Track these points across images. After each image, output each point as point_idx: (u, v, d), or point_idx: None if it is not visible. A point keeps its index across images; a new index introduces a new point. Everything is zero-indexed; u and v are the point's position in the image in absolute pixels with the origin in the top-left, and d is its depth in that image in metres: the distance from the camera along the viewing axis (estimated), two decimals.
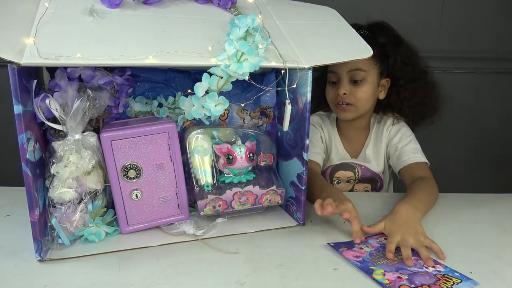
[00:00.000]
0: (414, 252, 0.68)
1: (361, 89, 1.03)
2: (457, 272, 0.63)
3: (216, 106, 0.69)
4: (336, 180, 1.11)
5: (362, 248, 0.70)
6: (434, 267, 0.64)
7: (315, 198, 0.85)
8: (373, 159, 1.11)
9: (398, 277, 0.61)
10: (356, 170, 1.11)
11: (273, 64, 0.70)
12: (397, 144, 1.06)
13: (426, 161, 1.02)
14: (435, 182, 0.94)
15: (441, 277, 0.62)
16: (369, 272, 0.63)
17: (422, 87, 1.10)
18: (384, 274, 0.62)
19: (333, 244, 0.71)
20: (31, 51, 0.58)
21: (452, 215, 0.86)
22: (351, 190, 1.12)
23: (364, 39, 0.99)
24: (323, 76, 1.10)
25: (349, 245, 0.71)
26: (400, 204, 0.78)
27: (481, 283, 0.61)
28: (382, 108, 1.12)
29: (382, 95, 1.08)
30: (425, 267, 0.64)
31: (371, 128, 1.12)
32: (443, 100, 1.13)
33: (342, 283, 0.61)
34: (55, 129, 0.69)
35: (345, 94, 1.02)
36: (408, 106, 1.09)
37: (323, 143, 1.11)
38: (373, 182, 1.12)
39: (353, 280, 0.62)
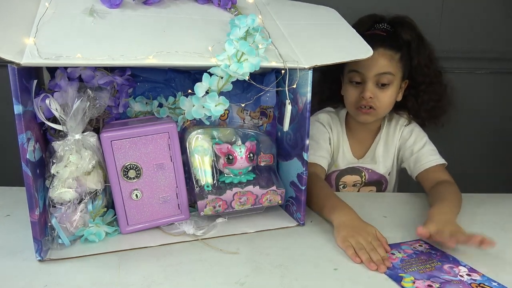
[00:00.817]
0: (452, 260, 0.67)
1: (386, 93, 0.97)
2: (495, 282, 0.60)
3: (216, 106, 0.69)
4: (342, 185, 1.08)
5: (394, 254, 0.68)
6: (469, 275, 0.62)
7: (316, 207, 0.84)
8: (381, 160, 1.07)
9: (429, 285, 0.59)
10: (363, 174, 1.07)
11: (273, 64, 0.70)
12: (412, 146, 1.03)
13: (444, 161, 0.99)
14: (457, 186, 0.92)
15: (476, 286, 0.59)
16: (398, 280, 0.61)
17: (437, 89, 1.06)
18: (414, 282, 0.60)
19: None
20: (31, 51, 0.58)
21: None
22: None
23: (384, 33, 0.97)
24: (334, 71, 1.04)
25: None
26: (436, 209, 0.78)
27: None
28: (394, 107, 1.06)
29: (399, 97, 1.03)
30: (460, 275, 0.62)
31: (381, 127, 1.08)
32: (453, 102, 1.10)
33: (342, 283, 0.61)
34: (55, 129, 0.69)
35: (371, 98, 0.96)
36: (425, 110, 1.05)
37: (331, 145, 1.06)
38: (378, 184, 1.09)
39: (353, 280, 0.62)
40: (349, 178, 1.07)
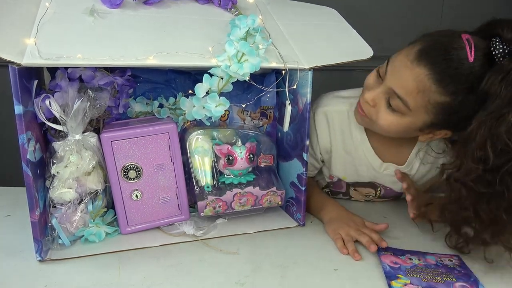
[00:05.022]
0: (472, 281, 0.62)
1: (388, 117, 0.71)
2: None
3: (216, 107, 0.69)
4: (353, 188, 0.92)
5: (411, 259, 0.67)
6: None
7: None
8: (419, 175, 0.84)
9: None
10: (379, 189, 0.89)
11: (274, 64, 0.70)
12: None
13: None
14: None
15: None
16: (391, 278, 0.61)
17: None
18: (405, 285, 0.59)
19: (386, 246, 0.70)
20: (32, 52, 0.58)
21: None
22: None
23: (472, 59, 0.62)
24: None
25: (399, 252, 0.69)
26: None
27: (482, 284, 0.61)
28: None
29: (424, 138, 0.75)
30: None
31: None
32: None
33: (342, 283, 0.61)
34: (55, 130, 0.69)
35: (367, 103, 0.73)
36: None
37: (321, 153, 0.87)
38: (395, 198, 0.93)
39: (353, 280, 0.62)
40: (361, 190, 0.91)
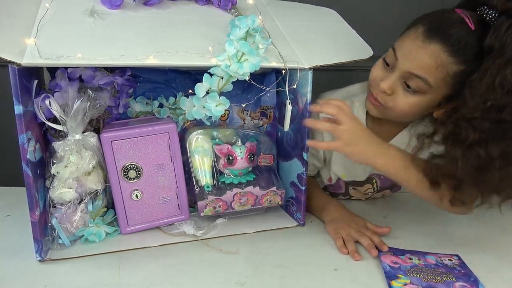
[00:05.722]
0: (472, 281, 0.62)
1: (408, 99, 0.72)
2: None
3: (216, 107, 0.69)
4: (352, 187, 0.93)
5: (411, 259, 0.67)
6: None
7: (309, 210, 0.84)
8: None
9: None
10: (374, 181, 0.91)
11: (274, 64, 0.70)
12: None
13: None
14: None
15: None
16: (391, 278, 0.61)
17: None
18: (405, 285, 0.59)
19: (389, 247, 0.70)
20: (32, 52, 0.58)
21: (451, 214, 0.86)
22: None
23: (471, 27, 0.67)
24: None
25: (399, 252, 0.69)
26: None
27: (482, 283, 0.61)
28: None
29: (437, 114, 0.74)
30: None
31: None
32: None
33: (342, 283, 0.61)
34: (55, 130, 0.69)
35: (385, 92, 0.73)
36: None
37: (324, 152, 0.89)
38: (393, 187, 0.94)
39: (353, 280, 0.62)
40: (359, 189, 0.93)
